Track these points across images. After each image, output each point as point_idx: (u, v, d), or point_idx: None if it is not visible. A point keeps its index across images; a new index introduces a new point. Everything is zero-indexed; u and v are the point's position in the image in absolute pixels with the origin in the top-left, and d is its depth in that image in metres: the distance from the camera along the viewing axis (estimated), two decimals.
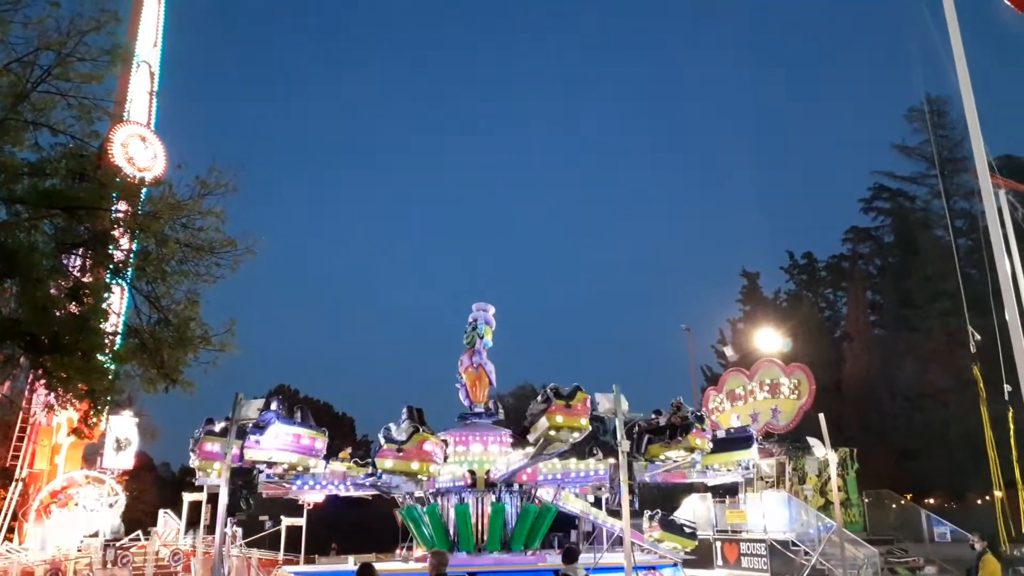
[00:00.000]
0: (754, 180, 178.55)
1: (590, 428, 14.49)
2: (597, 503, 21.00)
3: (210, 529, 27.92)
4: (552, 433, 14.38)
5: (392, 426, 16.19)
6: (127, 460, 31.63)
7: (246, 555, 28.45)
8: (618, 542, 17.63)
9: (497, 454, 18.75)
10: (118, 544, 28.63)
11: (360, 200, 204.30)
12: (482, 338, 20.73)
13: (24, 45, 11.58)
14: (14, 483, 28.75)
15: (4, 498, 28.68)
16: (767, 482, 26.73)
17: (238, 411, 12.53)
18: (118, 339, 12.58)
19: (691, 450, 16.15)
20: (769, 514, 24.29)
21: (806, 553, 21.82)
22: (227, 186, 12.23)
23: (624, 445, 11.96)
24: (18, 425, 29.38)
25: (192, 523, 30.21)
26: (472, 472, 18.36)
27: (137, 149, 30.20)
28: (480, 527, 18.35)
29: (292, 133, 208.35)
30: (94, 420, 12.31)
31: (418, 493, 18.93)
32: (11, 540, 27.91)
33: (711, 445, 17.06)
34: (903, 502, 28.31)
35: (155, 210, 12.14)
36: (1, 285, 11.26)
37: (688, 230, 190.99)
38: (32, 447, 29.53)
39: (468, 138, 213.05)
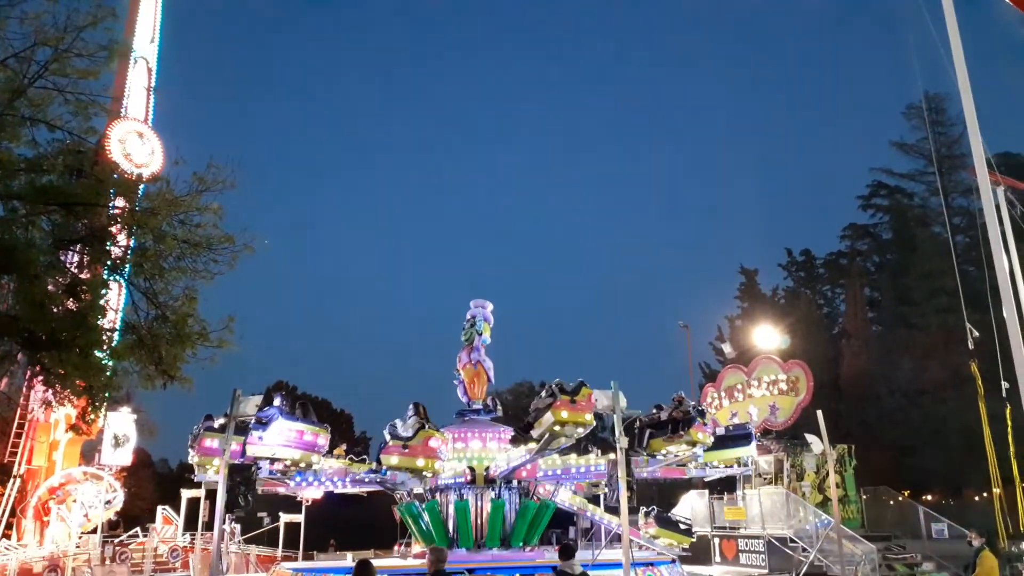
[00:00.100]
0: (752, 178, 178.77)
1: (595, 423, 14.54)
2: (596, 500, 21.04)
3: (208, 525, 27.97)
4: (557, 428, 14.42)
5: (398, 422, 16.19)
6: (125, 456, 31.64)
7: (244, 551, 28.53)
8: (616, 539, 17.67)
9: (496, 451, 18.76)
10: (116, 540, 28.65)
11: (360, 198, 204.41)
12: (480, 335, 20.72)
13: (21, 40, 11.54)
14: (12, 480, 28.72)
15: (2, 495, 28.67)
16: (765, 478, 26.75)
17: (236, 407, 12.54)
18: (116, 335, 12.55)
19: (693, 444, 16.23)
20: (767, 511, 24.33)
21: (804, 549, 21.86)
22: (225, 182, 12.17)
23: (622, 441, 11.97)
24: (16, 421, 29.35)
25: (191, 519, 30.22)
26: (471, 468, 18.37)
27: (135, 145, 30.13)
28: (480, 524, 18.37)
29: (293, 131, 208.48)
30: (92, 416, 12.27)
31: (418, 489, 18.95)
32: (9, 537, 27.90)
33: (712, 439, 17.13)
34: (901, 499, 28.37)
35: (153, 206, 12.07)
36: None
37: (686, 227, 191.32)
38: (30, 443, 29.49)
39: (468, 138, 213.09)
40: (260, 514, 31.59)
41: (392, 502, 21.73)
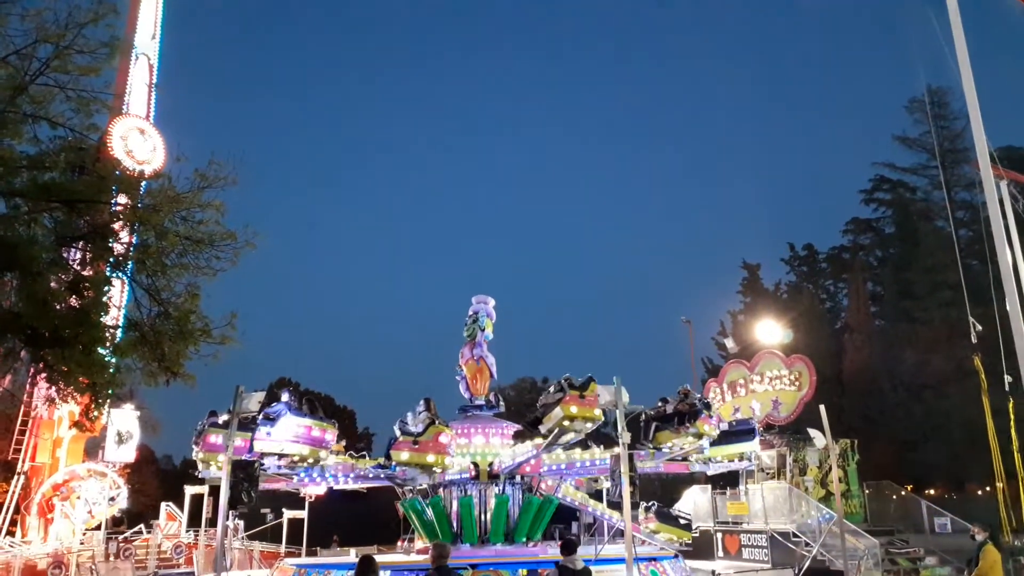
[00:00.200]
0: (755, 172, 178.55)
1: (603, 419, 14.57)
2: (597, 495, 21.04)
3: (212, 522, 28.04)
4: (566, 423, 14.47)
5: (409, 417, 16.19)
6: (129, 453, 31.68)
7: (248, 547, 28.60)
8: (619, 534, 17.68)
9: (499, 446, 18.78)
10: (120, 537, 28.73)
11: (360, 198, 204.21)
12: (483, 330, 20.72)
13: (22, 37, 11.54)
14: (16, 477, 28.81)
15: (6, 492, 28.75)
16: (768, 473, 26.75)
17: (239, 404, 12.55)
18: (119, 332, 12.56)
19: (699, 436, 16.28)
20: (770, 505, 24.33)
21: (807, 544, 21.86)
22: (227, 179, 12.17)
23: (625, 437, 11.98)
24: (19, 419, 29.43)
25: (194, 516, 30.29)
26: (475, 464, 18.40)
27: (136, 142, 30.13)
28: (484, 519, 18.40)
29: (295, 129, 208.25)
30: (95, 413, 12.29)
31: (422, 485, 18.97)
32: (13, 534, 27.98)
33: (718, 431, 17.16)
34: (904, 493, 28.33)
35: (155, 203, 12.08)
36: (1, 279, 11.25)
37: (689, 222, 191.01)
38: (34, 440, 29.58)
39: (469, 137, 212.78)
40: (263, 510, 31.68)
41: (395, 498, 21.76)
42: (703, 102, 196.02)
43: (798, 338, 36.58)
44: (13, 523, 28.33)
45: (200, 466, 17.43)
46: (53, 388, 11.96)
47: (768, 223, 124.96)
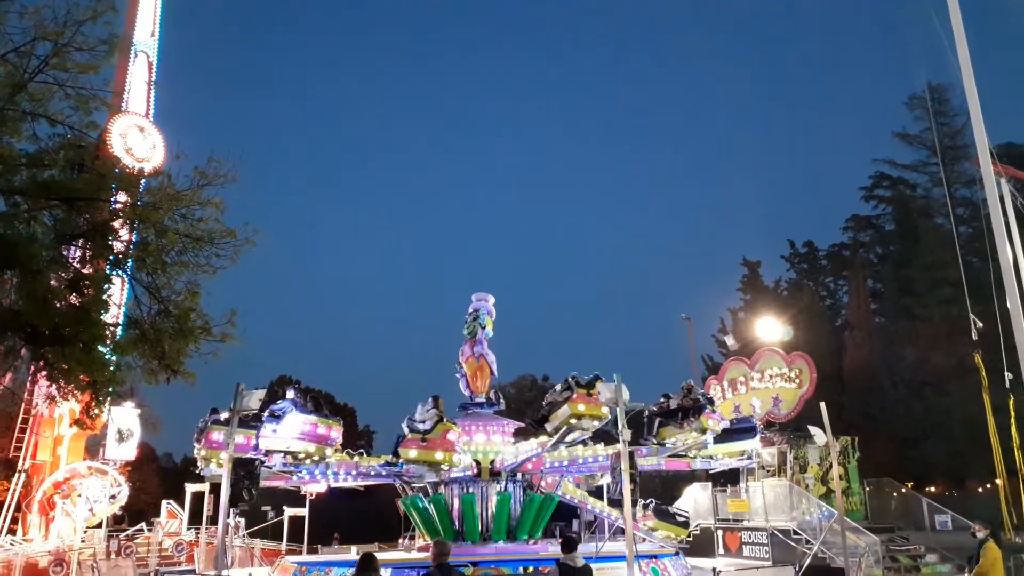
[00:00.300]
0: (755, 171, 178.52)
1: (609, 417, 14.57)
2: (597, 493, 21.03)
3: (213, 519, 28.06)
4: (573, 422, 14.51)
5: (417, 414, 16.20)
6: (129, 451, 31.71)
7: (249, 545, 28.60)
8: (620, 531, 17.68)
9: (500, 444, 18.78)
10: (122, 535, 28.74)
11: (361, 198, 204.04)
12: (483, 328, 20.68)
13: (21, 35, 11.53)
14: (17, 474, 28.83)
15: (7, 490, 28.76)
16: (768, 471, 26.77)
17: (239, 402, 12.53)
18: (119, 330, 12.56)
19: (703, 431, 16.30)
20: (770, 503, 24.34)
21: (807, 541, 21.88)
22: (226, 177, 12.17)
23: (625, 434, 11.97)
24: (20, 417, 29.45)
25: (195, 514, 30.32)
26: (477, 462, 18.40)
27: (136, 139, 30.13)
28: (486, 517, 18.41)
29: (295, 129, 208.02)
30: (96, 411, 12.30)
31: (423, 483, 18.97)
32: (15, 532, 28.00)
33: (722, 426, 17.19)
34: (904, 490, 28.35)
35: (154, 201, 12.09)
36: (1, 276, 11.24)
37: (689, 222, 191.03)
38: (34, 438, 29.60)
39: (469, 137, 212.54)
40: (264, 508, 31.73)
41: (396, 496, 21.76)
42: (703, 102, 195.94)
43: (798, 335, 36.54)
44: (14, 521, 28.35)
45: (200, 463, 17.40)
46: (54, 386, 11.95)
47: (768, 221, 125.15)
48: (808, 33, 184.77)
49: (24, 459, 29.15)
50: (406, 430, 16.02)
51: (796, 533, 22.64)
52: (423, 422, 15.85)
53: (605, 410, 14.30)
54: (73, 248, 12.62)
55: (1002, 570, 11.95)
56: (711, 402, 16.86)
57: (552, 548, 17.54)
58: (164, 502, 32.67)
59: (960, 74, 13.58)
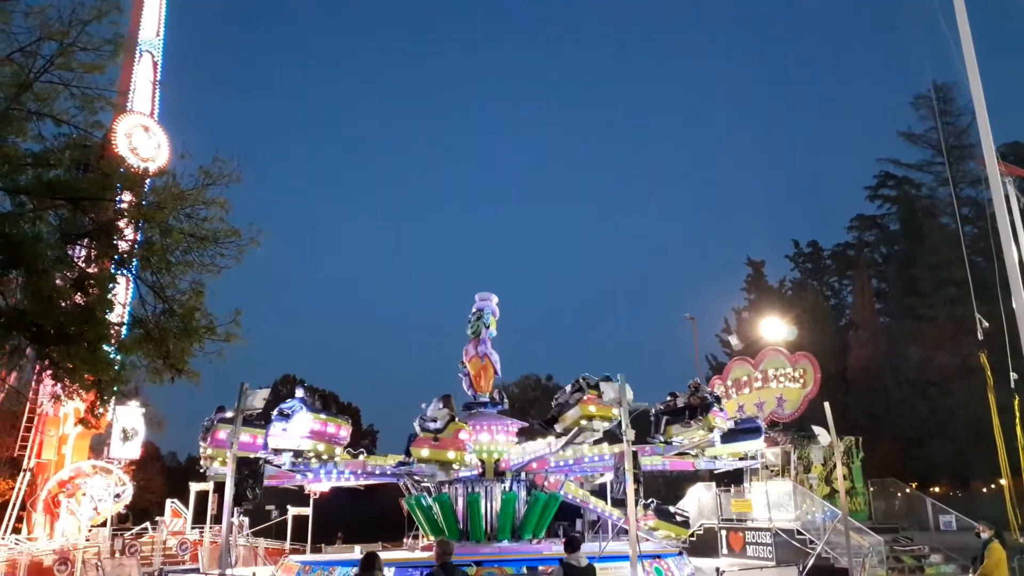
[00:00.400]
0: (756, 171, 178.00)
1: (620, 419, 14.59)
2: (600, 492, 21.03)
3: (217, 518, 28.13)
4: (584, 423, 14.59)
5: (428, 412, 16.23)
6: (134, 450, 31.77)
7: (253, 544, 28.66)
8: (623, 531, 17.67)
9: (504, 443, 18.79)
10: (126, 533, 28.81)
11: (360, 198, 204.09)
12: (487, 328, 20.70)
13: (26, 35, 11.56)
14: (22, 473, 28.91)
15: (12, 489, 28.85)
16: (772, 471, 26.73)
17: (244, 401, 12.55)
18: (124, 329, 12.59)
19: (710, 429, 16.31)
20: (774, 503, 24.31)
21: (811, 541, 21.84)
22: (231, 176, 12.19)
23: (629, 434, 11.96)
24: (25, 416, 29.53)
25: (199, 513, 30.39)
26: (481, 461, 18.42)
27: (141, 139, 30.18)
28: (490, 516, 18.42)
29: (295, 129, 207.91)
30: (101, 410, 12.32)
31: (428, 482, 18.98)
32: (19, 530, 28.08)
33: (728, 425, 17.20)
34: (908, 490, 28.29)
35: (159, 200, 12.10)
36: (6, 276, 11.27)
37: (689, 222, 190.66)
38: (39, 437, 29.67)
39: (469, 137, 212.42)
40: (268, 507, 31.76)
41: (400, 495, 21.78)
42: (703, 102, 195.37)
43: (802, 335, 36.53)
44: (19, 520, 28.42)
45: (205, 463, 17.37)
46: (59, 385, 11.98)
47: (772, 221, 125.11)
48: (808, 33, 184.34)
49: (29, 458, 29.23)
50: (418, 429, 16.07)
51: (800, 533, 22.61)
52: (435, 421, 15.90)
53: (615, 411, 14.32)
54: (78, 247, 12.63)
55: (1006, 570, 11.93)
56: (718, 400, 16.89)
57: (555, 548, 17.55)
58: (168, 501, 32.71)
59: (966, 73, 13.55)
